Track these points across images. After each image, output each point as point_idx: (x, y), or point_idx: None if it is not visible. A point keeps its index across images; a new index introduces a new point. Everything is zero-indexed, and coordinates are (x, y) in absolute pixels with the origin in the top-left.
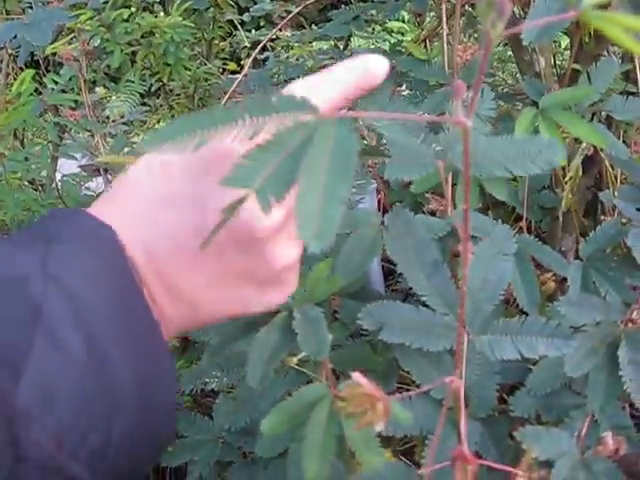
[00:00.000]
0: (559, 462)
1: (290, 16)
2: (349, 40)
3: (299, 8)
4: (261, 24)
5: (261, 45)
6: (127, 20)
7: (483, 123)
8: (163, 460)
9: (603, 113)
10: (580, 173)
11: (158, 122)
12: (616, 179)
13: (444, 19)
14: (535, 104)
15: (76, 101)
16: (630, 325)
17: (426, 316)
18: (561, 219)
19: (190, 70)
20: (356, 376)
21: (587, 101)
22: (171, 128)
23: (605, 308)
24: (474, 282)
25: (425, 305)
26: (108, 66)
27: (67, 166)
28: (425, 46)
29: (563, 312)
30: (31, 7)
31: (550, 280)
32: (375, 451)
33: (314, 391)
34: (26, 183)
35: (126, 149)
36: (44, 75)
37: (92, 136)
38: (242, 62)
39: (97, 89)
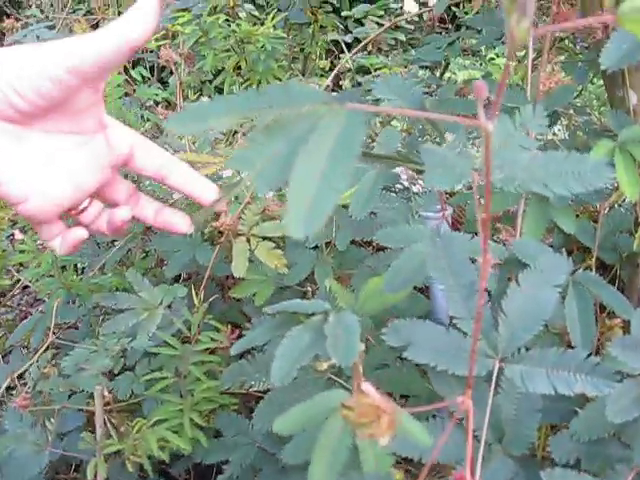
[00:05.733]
0: None
1: (367, 40)
2: (446, 68)
3: (380, 30)
4: (368, 48)
5: (339, 66)
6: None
7: (531, 139)
8: (198, 456)
9: None
10: None
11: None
12: None
13: (530, 47)
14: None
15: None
16: None
17: (456, 338)
18: None
19: (280, 80)
20: (365, 386)
21: None
22: (199, 108)
23: None
24: (513, 309)
25: (457, 328)
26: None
27: None
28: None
29: (615, 354)
30: None
31: (617, 326)
32: (383, 467)
33: (335, 397)
34: None
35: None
36: (132, 68)
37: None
38: (340, 82)
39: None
